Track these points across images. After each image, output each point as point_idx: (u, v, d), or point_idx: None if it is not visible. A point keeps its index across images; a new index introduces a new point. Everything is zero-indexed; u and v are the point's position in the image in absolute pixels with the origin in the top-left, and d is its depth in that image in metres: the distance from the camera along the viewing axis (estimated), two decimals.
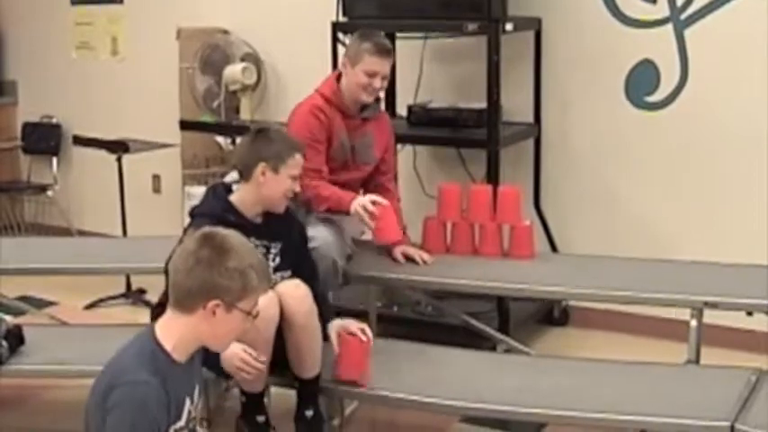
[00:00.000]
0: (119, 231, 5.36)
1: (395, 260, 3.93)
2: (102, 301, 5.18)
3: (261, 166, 3.28)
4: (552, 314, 4.77)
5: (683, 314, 3.56)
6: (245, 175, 3.33)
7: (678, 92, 4.46)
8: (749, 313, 3.54)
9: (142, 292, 5.21)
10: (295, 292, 3.25)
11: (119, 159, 5.27)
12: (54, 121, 6.46)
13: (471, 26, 4.31)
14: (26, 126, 6.57)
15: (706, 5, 4.34)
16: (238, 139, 5.16)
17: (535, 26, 4.66)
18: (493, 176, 4.31)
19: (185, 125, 5.42)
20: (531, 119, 4.74)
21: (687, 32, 4.40)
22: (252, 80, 5.30)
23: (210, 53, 5.38)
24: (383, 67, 3.83)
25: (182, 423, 2.38)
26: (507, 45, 4.37)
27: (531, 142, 4.75)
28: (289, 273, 3.38)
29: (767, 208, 4.28)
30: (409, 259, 3.94)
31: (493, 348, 4.20)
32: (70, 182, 6.48)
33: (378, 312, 4.19)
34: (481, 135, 4.38)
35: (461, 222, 4.09)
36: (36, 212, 6.65)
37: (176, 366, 2.36)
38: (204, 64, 5.36)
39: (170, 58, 5.55)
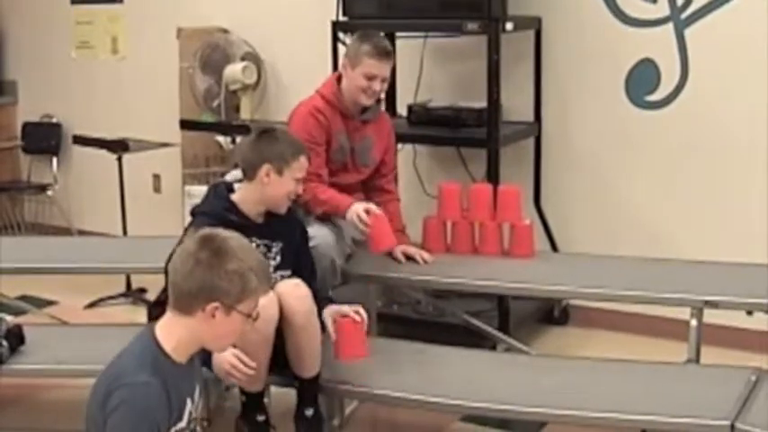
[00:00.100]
0: (119, 231, 5.36)
1: (395, 259, 3.92)
2: (102, 300, 5.18)
3: (265, 168, 3.27)
4: (552, 313, 4.77)
5: (683, 313, 3.56)
6: (248, 175, 3.33)
7: (678, 91, 4.46)
8: (749, 312, 3.54)
9: (142, 291, 5.21)
10: (295, 291, 3.25)
11: (119, 159, 5.27)
12: (54, 120, 6.46)
13: (471, 25, 4.30)
14: (26, 126, 6.57)
15: (706, 5, 4.34)
16: (239, 139, 5.17)
17: (535, 25, 4.66)
18: (493, 175, 4.30)
19: (185, 124, 5.42)
20: (531, 118, 4.74)
21: (687, 32, 4.40)
22: (252, 79, 5.30)
23: (211, 52, 5.38)
24: (382, 70, 3.81)
25: (183, 424, 2.38)
26: (507, 44, 4.37)
27: (531, 141, 4.74)
28: (289, 272, 3.38)
29: (767, 207, 4.28)
30: (409, 258, 3.94)
31: (493, 348, 4.20)
32: (70, 181, 6.48)
33: (378, 312, 4.18)
34: (481, 134, 4.37)
35: (461, 221, 4.09)
36: (36, 212, 6.65)
37: (177, 367, 2.35)
38: (204, 63, 5.36)
39: (170, 58, 5.55)
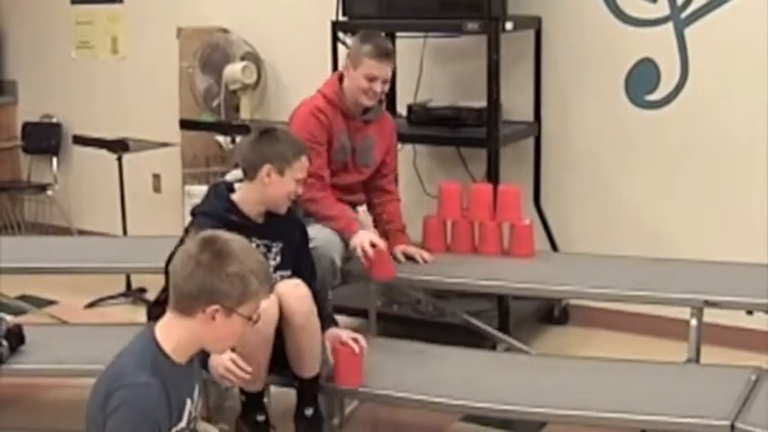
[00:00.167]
0: (119, 231, 5.36)
1: (395, 259, 3.92)
2: (102, 300, 5.18)
3: (266, 168, 3.27)
4: (552, 313, 4.77)
5: (684, 313, 3.55)
6: (249, 175, 3.32)
7: (678, 90, 4.46)
8: (749, 312, 3.54)
9: (142, 291, 5.21)
10: (295, 291, 3.25)
11: (119, 159, 5.27)
12: (54, 120, 6.46)
13: (471, 25, 4.30)
14: (26, 126, 6.57)
15: (706, 4, 4.34)
16: (239, 139, 5.17)
17: (535, 25, 4.66)
18: (493, 175, 4.30)
19: (185, 124, 5.42)
20: (531, 118, 4.74)
21: (687, 31, 4.40)
22: (252, 79, 5.30)
23: (210, 52, 5.38)
24: (383, 71, 3.80)
25: (183, 425, 2.38)
26: (507, 44, 4.37)
27: (531, 141, 4.74)
28: (289, 272, 3.37)
29: (767, 207, 4.28)
30: (409, 258, 3.94)
31: (493, 347, 4.20)
32: (70, 181, 6.48)
33: (378, 311, 4.18)
34: (481, 134, 4.37)
35: (461, 221, 4.09)
36: (36, 212, 6.65)
37: (176, 368, 2.35)
38: (204, 63, 5.36)
39: (170, 58, 5.55)
